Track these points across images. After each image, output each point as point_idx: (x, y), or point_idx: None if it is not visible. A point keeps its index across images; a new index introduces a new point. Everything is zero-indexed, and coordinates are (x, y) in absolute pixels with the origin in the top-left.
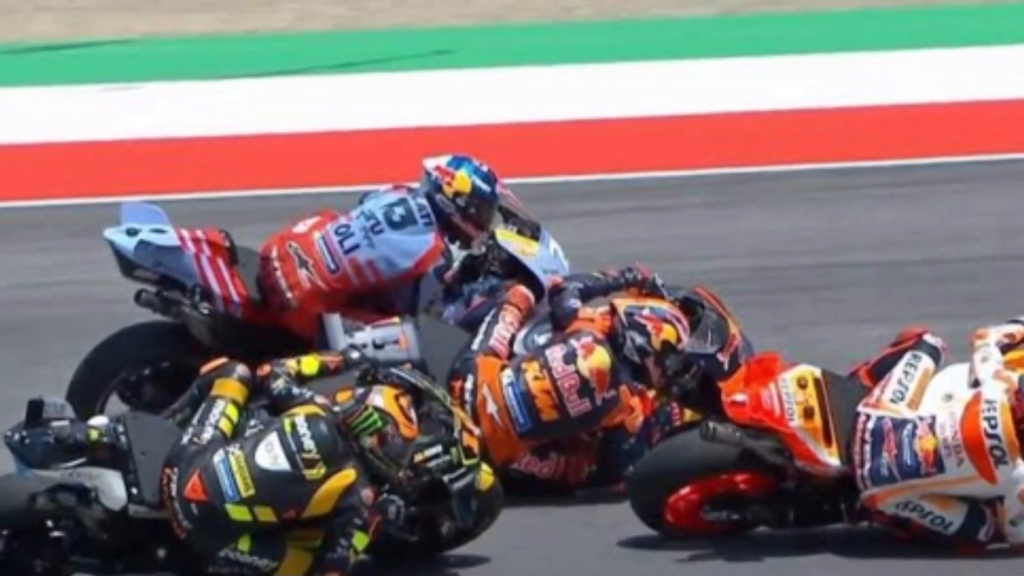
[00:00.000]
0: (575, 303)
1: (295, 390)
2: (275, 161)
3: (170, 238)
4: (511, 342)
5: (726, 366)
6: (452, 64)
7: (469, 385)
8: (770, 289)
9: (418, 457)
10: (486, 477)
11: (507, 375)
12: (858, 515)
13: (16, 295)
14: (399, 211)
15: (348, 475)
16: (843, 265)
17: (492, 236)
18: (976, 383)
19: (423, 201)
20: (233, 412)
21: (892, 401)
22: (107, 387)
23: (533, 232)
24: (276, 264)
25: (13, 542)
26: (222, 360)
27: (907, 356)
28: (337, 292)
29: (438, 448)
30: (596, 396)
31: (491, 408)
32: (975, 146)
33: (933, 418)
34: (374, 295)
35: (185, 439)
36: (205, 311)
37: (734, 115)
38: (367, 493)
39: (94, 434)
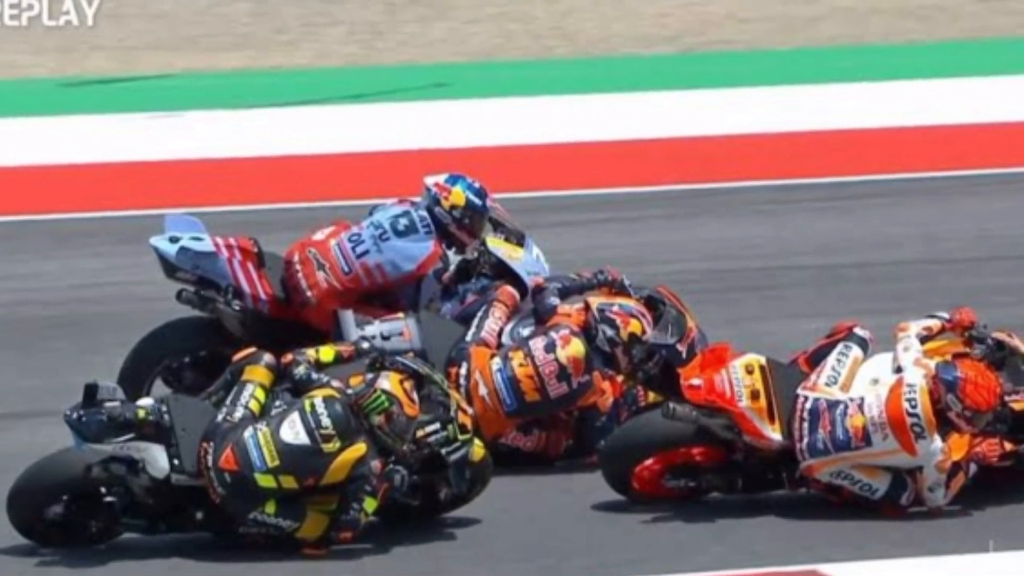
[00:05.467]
0: (555, 300)
1: (314, 375)
2: (297, 178)
3: (207, 245)
4: (500, 334)
5: (684, 355)
6: (449, 95)
7: (463, 371)
8: (723, 288)
9: (420, 433)
10: (478, 450)
11: (496, 362)
12: (797, 483)
13: (74, 294)
14: (403, 221)
15: (360, 448)
16: (786, 268)
17: (483, 243)
18: (899, 369)
19: (424, 213)
20: (261, 394)
21: (827, 385)
22: (152, 373)
23: (518, 240)
24: (298, 267)
25: (72, 506)
26: (251, 349)
27: (840, 346)
28: (350, 291)
29: (437, 425)
30: (572, 380)
31: (482, 391)
32: (900, 165)
33: (862, 399)
34: (382, 294)
35: (219, 417)
36: (237, 307)
37: (692, 139)
38: (376, 464)
39: (141, 413)
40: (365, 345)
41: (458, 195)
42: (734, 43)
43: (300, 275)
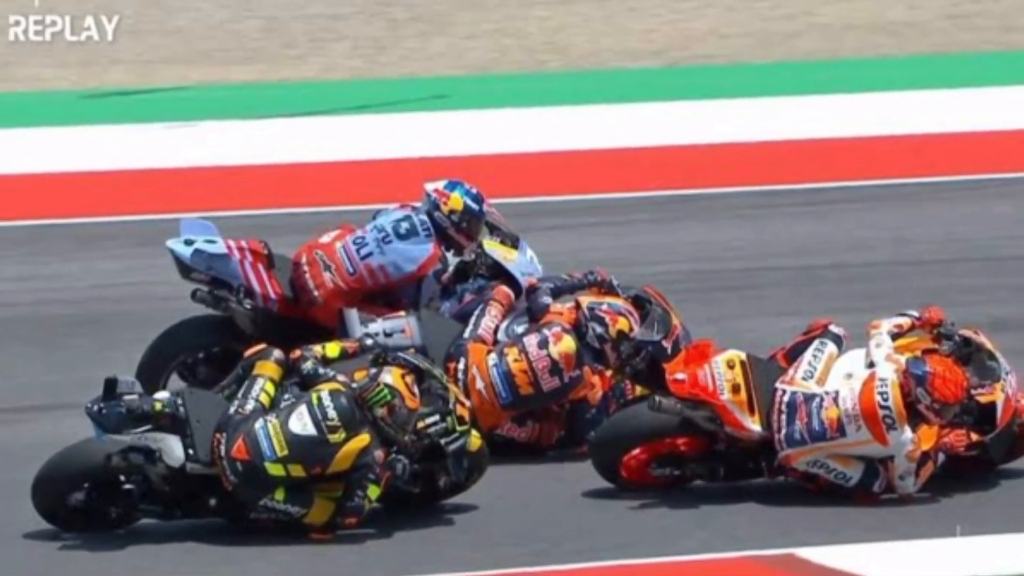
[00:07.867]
0: (547, 299)
1: (321, 370)
2: (304, 185)
3: (220, 247)
4: (495, 331)
5: (669, 351)
6: (448, 107)
7: (461, 366)
8: (706, 288)
9: (420, 424)
10: (475, 440)
11: (492, 358)
12: (776, 471)
13: (94, 293)
14: (405, 225)
15: (364, 439)
16: (765, 269)
17: (480, 245)
18: (871, 364)
19: (424, 217)
20: (271, 388)
21: (803, 379)
22: (168, 368)
23: (513, 242)
24: (305, 268)
25: (93, 493)
26: (262, 346)
27: (816, 342)
28: (354, 291)
29: (436, 417)
30: (564, 375)
31: (479, 384)
32: (873, 172)
33: (837, 393)
34: (384, 294)
35: (232, 410)
36: (248, 306)
37: (677, 148)
38: (379, 453)
39: (158, 406)
40: (369, 342)
41: (456, 200)
42: (716, 57)
43: (307, 276)
